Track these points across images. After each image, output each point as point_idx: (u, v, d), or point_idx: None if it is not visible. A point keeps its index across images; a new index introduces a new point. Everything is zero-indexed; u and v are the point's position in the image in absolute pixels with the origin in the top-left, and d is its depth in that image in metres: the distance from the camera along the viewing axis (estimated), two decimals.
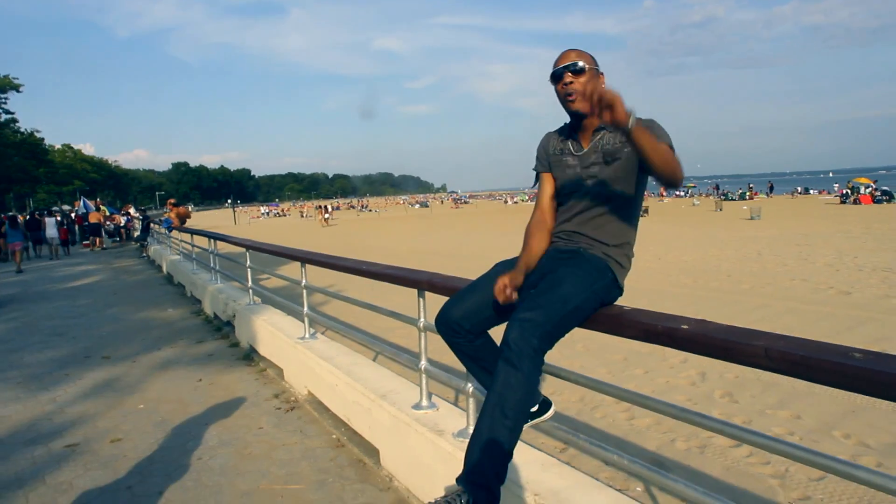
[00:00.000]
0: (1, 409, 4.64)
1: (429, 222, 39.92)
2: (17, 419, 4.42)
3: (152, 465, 3.52)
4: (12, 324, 8.30)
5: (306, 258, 4.48)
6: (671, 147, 1.75)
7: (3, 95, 53.90)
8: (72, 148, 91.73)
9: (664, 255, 15.59)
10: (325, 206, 50.63)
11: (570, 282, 1.81)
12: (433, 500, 1.68)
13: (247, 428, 4.02)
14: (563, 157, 2.07)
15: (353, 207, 79.32)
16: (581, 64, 1.92)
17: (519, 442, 1.78)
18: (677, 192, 64.74)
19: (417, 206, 78.70)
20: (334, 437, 3.78)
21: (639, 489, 3.60)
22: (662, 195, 61.37)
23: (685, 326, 1.54)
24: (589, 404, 5.04)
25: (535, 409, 2.09)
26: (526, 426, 1.95)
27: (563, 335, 1.83)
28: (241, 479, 3.28)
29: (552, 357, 1.76)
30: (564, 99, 1.97)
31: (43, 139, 63.37)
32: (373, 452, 3.37)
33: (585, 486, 2.15)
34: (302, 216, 45.32)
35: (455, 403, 3.33)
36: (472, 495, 1.67)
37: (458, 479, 1.73)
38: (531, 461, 2.34)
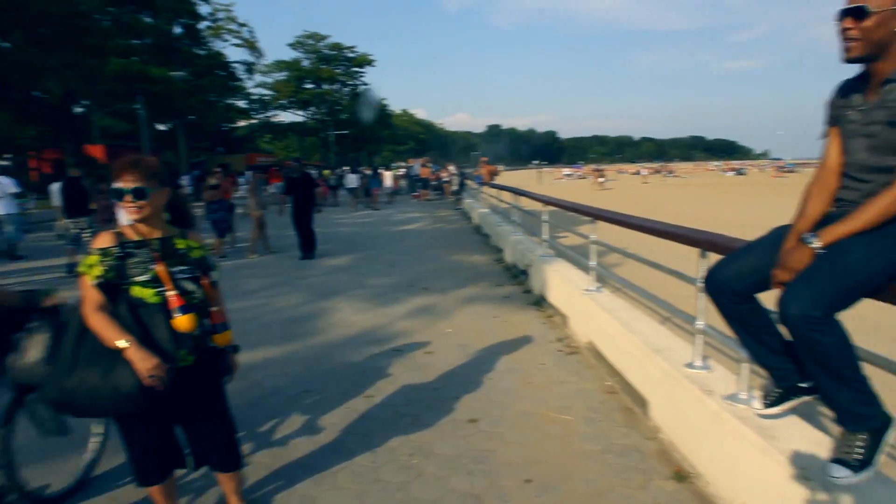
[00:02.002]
0: (354, 317, 6.04)
1: (740, 191, 35.96)
2: (363, 325, 5.71)
3: (453, 376, 4.26)
4: (363, 255, 10.44)
5: (597, 214, 4.71)
6: None
7: (361, 70, 65.34)
8: (408, 112, 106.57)
9: None
10: (601, 170, 48.39)
11: (859, 250, 1.68)
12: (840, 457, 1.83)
13: (531, 362, 4.52)
14: (847, 110, 1.85)
15: (658, 172, 75.36)
16: (864, 7, 1.67)
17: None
18: None
19: (731, 173, 71.06)
20: (608, 383, 4.02)
21: None
22: None
23: None
24: None
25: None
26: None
27: (848, 306, 1.74)
28: (521, 402, 3.77)
29: None
30: (840, 44, 1.76)
31: (387, 106, 75.19)
32: (642, 403, 3.51)
33: None
34: (603, 179, 44.43)
35: (745, 375, 3.24)
36: (868, 430, 1.81)
37: (845, 425, 1.85)
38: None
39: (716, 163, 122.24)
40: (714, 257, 2.47)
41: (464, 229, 14.67)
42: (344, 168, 34.15)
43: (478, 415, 3.58)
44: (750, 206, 22.91)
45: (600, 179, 42.24)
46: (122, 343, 1.97)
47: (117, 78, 28.26)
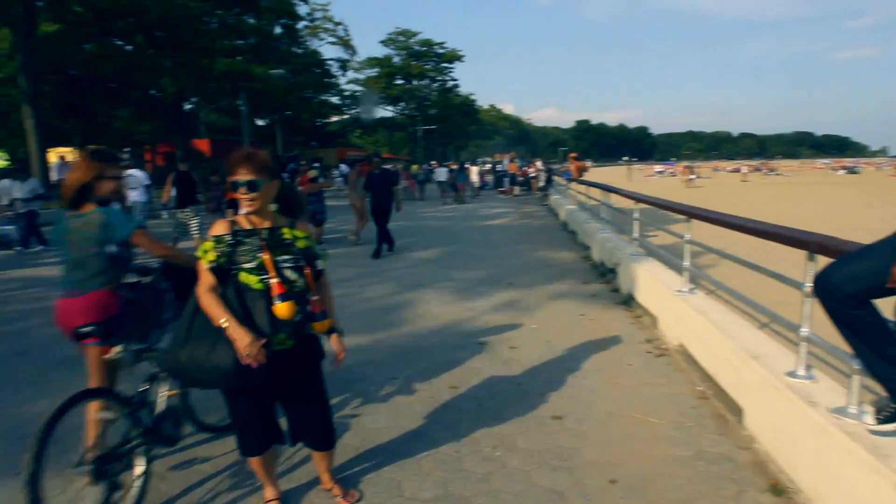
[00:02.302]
0: (440, 309, 6.15)
1: (853, 192, 33.15)
2: (447, 318, 5.80)
3: (538, 371, 4.25)
4: (449, 249, 10.57)
5: (692, 213, 4.53)
6: None
7: (450, 66, 65.92)
8: (495, 108, 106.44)
9: None
10: (691, 167, 45.96)
11: None
12: None
13: (617, 362, 4.43)
14: None
15: (759, 170, 70.84)
16: None
17: None
18: None
19: (842, 171, 65.68)
20: (699, 388, 3.87)
21: None
22: None
23: None
24: None
25: None
26: None
27: None
28: (606, 402, 3.71)
29: None
30: None
31: (475, 101, 75.39)
32: (736, 411, 3.35)
33: None
34: (693, 177, 41.37)
35: (855, 388, 3.04)
36: None
37: None
38: None
39: (825, 160, 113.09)
40: (823, 261, 2.32)
41: (550, 226, 14.49)
42: (431, 163, 34.62)
43: (562, 412, 3.56)
44: (864, 209, 21.15)
45: (689, 177, 39.71)
46: (224, 323, 2.13)
47: (223, 76, 30.06)
